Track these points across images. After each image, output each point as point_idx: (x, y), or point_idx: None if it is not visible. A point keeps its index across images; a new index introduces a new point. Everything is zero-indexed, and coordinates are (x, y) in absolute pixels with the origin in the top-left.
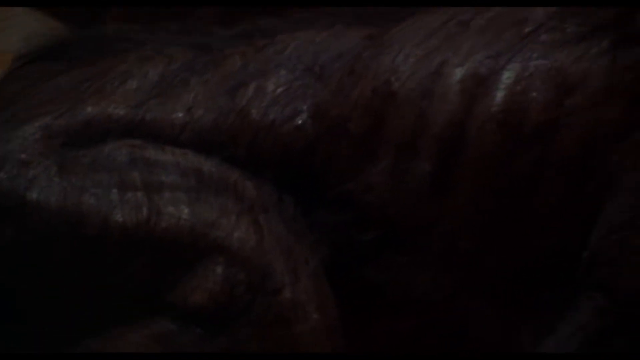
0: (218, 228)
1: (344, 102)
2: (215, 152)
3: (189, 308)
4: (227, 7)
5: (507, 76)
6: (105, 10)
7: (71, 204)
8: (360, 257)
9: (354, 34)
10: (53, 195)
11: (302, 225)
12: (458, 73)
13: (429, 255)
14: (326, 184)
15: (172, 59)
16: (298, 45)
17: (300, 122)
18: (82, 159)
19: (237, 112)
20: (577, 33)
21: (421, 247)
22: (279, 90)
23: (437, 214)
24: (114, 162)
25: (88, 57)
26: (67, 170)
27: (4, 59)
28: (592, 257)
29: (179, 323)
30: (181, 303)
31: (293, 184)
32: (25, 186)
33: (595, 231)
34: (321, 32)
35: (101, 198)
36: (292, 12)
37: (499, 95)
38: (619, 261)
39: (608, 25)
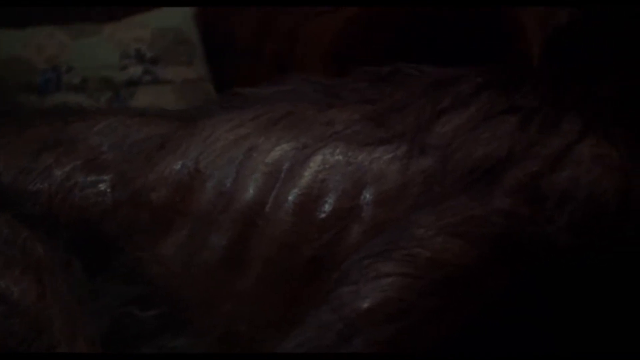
0: (1, 278)
1: (150, 173)
2: (11, 208)
3: None
4: None
5: (310, 166)
6: None
7: None
8: (138, 335)
9: (164, 123)
10: None
11: (86, 291)
12: (266, 157)
13: (209, 338)
14: (120, 252)
15: None
16: (109, 123)
17: (102, 188)
18: None
19: (39, 171)
20: (377, 139)
21: (203, 329)
22: (86, 158)
23: (224, 293)
24: None
25: None
26: None
27: None
28: (339, 277)
29: None
30: None
31: (86, 249)
32: None
33: (350, 257)
34: (133, 118)
35: None
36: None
37: (301, 181)
38: (361, 282)
39: (406, 136)
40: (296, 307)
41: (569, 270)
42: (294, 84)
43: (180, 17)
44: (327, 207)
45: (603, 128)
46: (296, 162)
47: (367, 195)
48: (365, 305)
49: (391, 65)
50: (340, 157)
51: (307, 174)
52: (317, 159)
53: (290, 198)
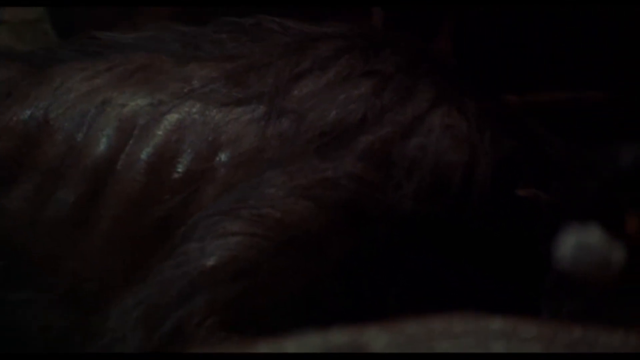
0: None
1: None
2: None
3: None
4: None
5: (164, 124)
6: None
7: None
8: None
9: (11, 66)
10: None
11: None
12: (118, 112)
13: (52, 294)
14: None
15: None
16: None
17: None
18: None
19: None
20: (235, 99)
21: (47, 284)
22: None
23: (70, 250)
24: None
25: None
26: None
27: None
28: (185, 233)
29: None
30: None
31: None
32: None
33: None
34: None
35: None
36: None
37: (154, 140)
38: (207, 239)
39: (264, 97)
40: (145, 268)
41: (411, 237)
42: (153, 30)
43: None
44: (180, 168)
45: (455, 98)
46: (150, 119)
47: (222, 157)
48: (210, 263)
49: (253, 18)
50: (197, 117)
51: (161, 133)
52: (172, 117)
53: (142, 157)
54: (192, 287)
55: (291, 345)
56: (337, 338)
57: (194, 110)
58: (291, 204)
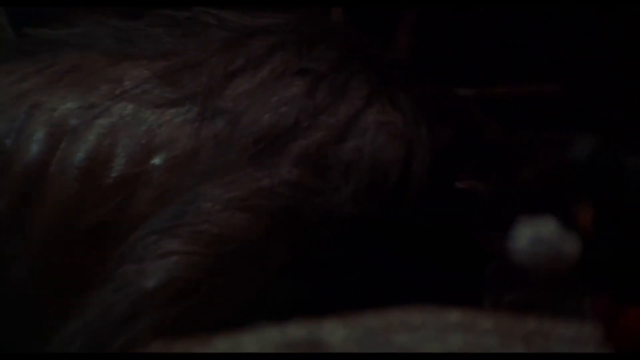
0: None
1: None
2: None
3: None
4: None
5: (96, 128)
6: None
7: None
8: None
9: None
10: None
11: None
12: (49, 116)
13: None
14: None
15: None
16: None
17: None
18: None
19: None
20: (168, 100)
21: None
22: None
23: (7, 257)
24: None
25: None
26: None
27: None
28: (123, 253)
29: None
30: None
31: None
32: None
33: (135, 233)
34: None
35: None
36: None
37: (86, 145)
38: (146, 260)
39: (197, 97)
40: (80, 275)
41: (353, 237)
42: (86, 26)
43: None
44: (113, 173)
45: (389, 93)
46: (82, 123)
47: (157, 160)
48: (150, 285)
49: (189, 10)
50: (129, 119)
51: (93, 137)
52: (104, 120)
53: (74, 162)
54: (134, 311)
55: (248, 339)
56: (295, 332)
57: (127, 112)
58: (228, 218)
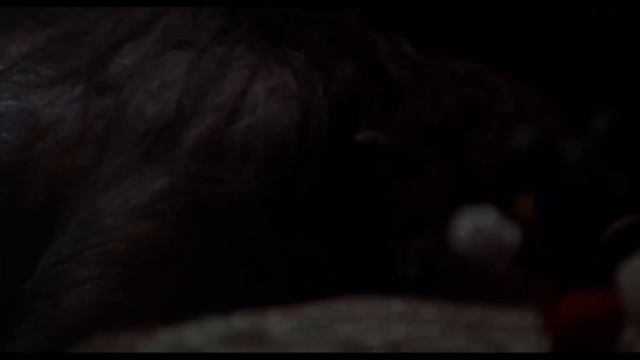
0: None
1: None
2: None
3: None
4: None
5: None
6: None
7: None
8: None
9: None
10: None
11: None
12: None
13: None
14: None
15: None
16: None
17: None
18: None
19: None
20: (51, 77)
21: None
22: None
23: None
24: None
25: None
26: None
27: None
28: (33, 289)
29: None
30: None
31: None
32: None
33: (41, 262)
34: None
35: None
36: None
37: None
38: (59, 293)
39: (81, 72)
40: None
41: (263, 214)
42: None
43: None
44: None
45: (278, 54)
46: None
47: (44, 143)
48: (69, 319)
49: None
50: (10, 102)
51: None
52: None
53: None
54: (58, 347)
55: (193, 331)
56: (239, 323)
57: (7, 95)
58: (133, 230)
